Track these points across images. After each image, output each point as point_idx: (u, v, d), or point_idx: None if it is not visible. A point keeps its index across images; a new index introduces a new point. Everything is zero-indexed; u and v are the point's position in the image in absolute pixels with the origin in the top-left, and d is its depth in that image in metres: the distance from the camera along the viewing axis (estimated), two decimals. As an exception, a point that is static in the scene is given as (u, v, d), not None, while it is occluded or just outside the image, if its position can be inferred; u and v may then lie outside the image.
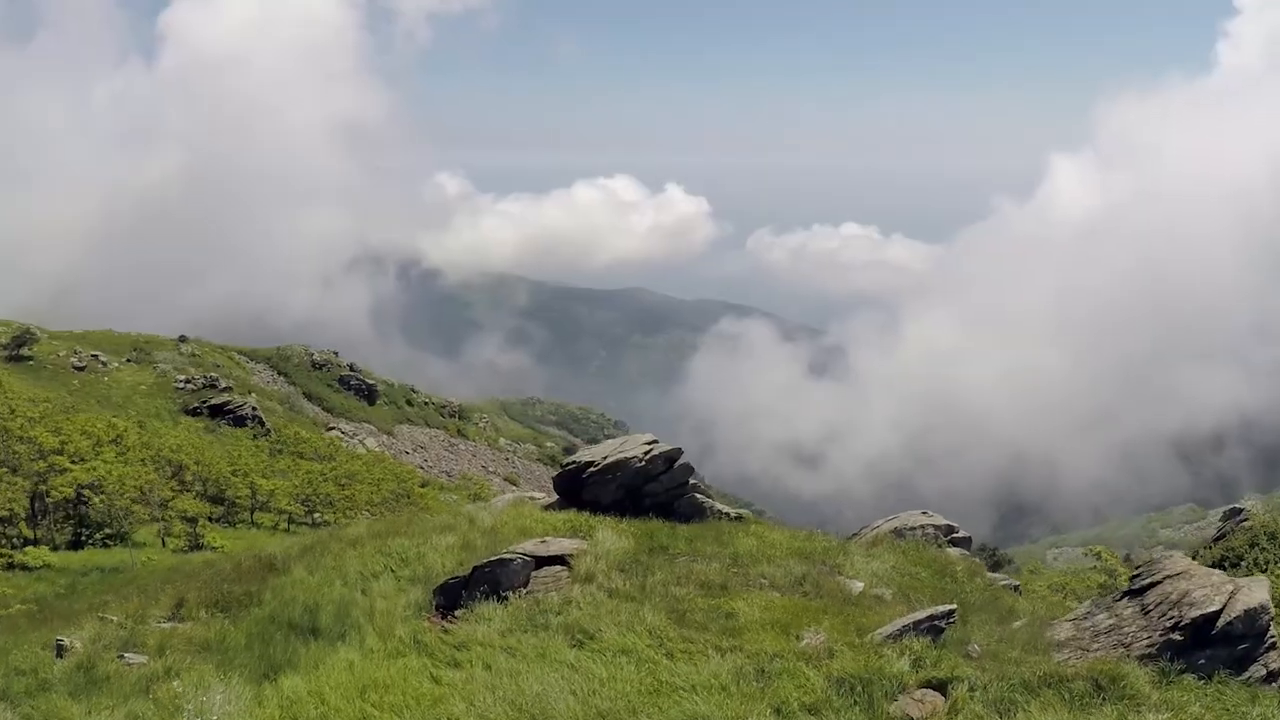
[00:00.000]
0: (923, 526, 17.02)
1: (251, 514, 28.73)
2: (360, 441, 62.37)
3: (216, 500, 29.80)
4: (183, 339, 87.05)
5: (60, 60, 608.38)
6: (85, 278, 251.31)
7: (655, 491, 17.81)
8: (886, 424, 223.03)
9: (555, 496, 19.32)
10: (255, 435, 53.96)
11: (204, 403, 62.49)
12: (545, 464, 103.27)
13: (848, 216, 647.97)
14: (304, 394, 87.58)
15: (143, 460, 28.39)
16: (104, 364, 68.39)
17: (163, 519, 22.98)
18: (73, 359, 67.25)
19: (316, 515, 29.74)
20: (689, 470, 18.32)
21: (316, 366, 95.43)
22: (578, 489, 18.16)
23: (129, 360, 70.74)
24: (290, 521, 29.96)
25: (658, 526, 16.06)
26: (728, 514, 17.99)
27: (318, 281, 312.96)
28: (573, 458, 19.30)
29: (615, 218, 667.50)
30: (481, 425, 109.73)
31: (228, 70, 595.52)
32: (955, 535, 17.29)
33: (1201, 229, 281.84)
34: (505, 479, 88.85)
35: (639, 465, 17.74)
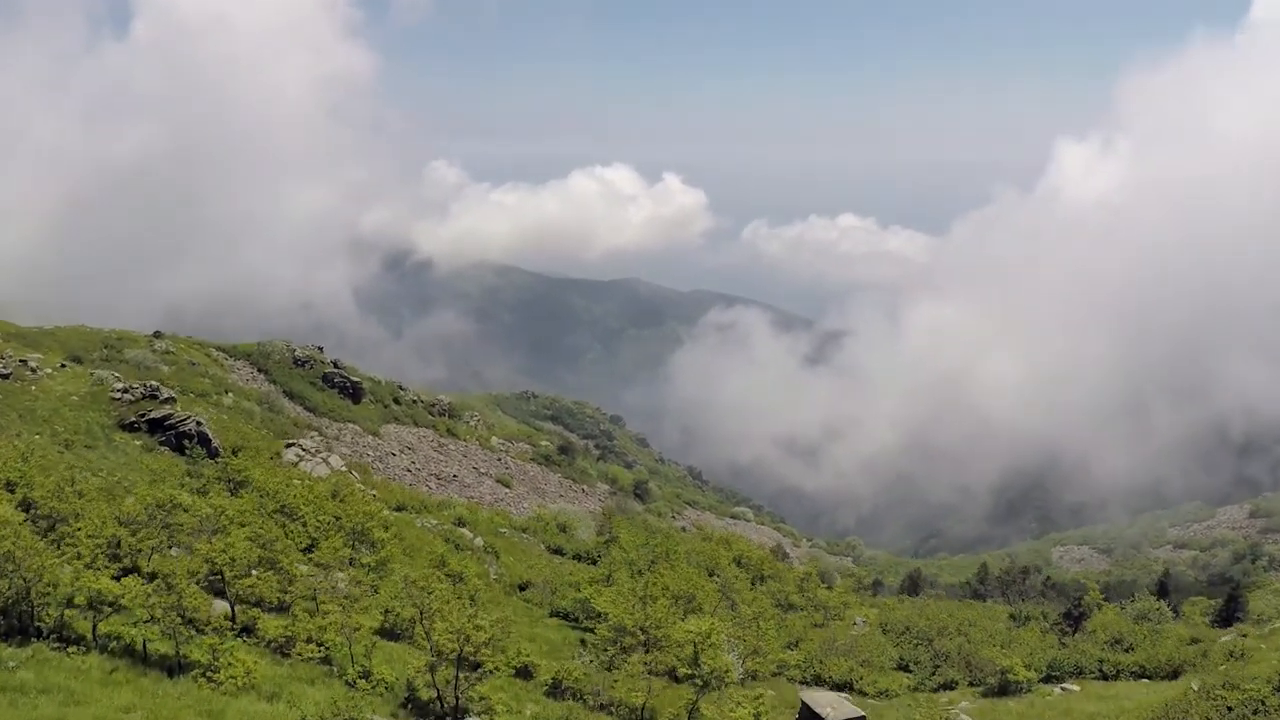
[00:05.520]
0: None
1: (94, 628, 18.18)
2: (323, 460, 52.26)
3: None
4: (157, 335, 78.25)
5: (27, 34, 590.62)
6: (57, 260, 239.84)
7: None
8: (887, 418, 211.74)
9: None
10: (187, 458, 43.50)
11: (142, 416, 51.77)
12: (539, 464, 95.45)
13: (845, 208, 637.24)
14: (285, 392, 79.53)
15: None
16: (33, 370, 57.69)
17: None
18: (-2, 364, 57.03)
19: (183, 644, 18.61)
20: None
21: (299, 363, 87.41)
22: None
23: (64, 365, 60.35)
24: (147, 642, 18.85)
25: None
26: None
27: (305, 265, 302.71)
28: None
29: (612, 209, 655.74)
30: (473, 423, 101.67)
31: (207, 42, 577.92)
32: None
33: (1229, 205, 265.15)
34: (498, 480, 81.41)
35: None
